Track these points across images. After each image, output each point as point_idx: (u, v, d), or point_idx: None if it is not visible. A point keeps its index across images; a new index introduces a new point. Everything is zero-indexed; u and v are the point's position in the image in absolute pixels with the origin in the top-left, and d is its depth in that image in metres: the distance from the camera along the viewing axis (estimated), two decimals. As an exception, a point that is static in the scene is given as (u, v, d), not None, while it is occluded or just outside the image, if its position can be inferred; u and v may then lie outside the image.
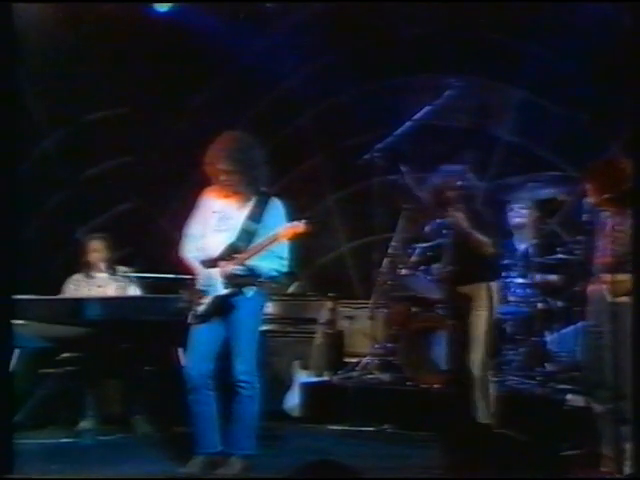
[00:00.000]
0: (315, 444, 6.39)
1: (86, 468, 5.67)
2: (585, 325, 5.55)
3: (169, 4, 8.22)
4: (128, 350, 6.53)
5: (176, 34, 8.22)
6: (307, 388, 7.16)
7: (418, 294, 7.18)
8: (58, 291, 7.01)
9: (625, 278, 5.03)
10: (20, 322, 6.08)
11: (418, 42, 7.99)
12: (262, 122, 8.03)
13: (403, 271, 7.21)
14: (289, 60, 8.33)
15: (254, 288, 5.46)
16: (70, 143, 8.40)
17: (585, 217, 5.49)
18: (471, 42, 7.89)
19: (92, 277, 7.08)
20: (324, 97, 8.53)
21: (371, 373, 7.26)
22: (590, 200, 5.34)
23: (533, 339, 6.81)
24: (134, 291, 7.08)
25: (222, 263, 5.43)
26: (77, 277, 7.11)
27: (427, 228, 6.90)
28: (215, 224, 5.51)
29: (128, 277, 7.07)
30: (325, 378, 7.34)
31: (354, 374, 7.33)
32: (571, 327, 6.72)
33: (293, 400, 7.15)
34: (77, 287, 7.05)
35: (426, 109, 7.38)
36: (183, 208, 5.84)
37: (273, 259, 5.45)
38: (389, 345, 7.27)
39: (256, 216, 5.47)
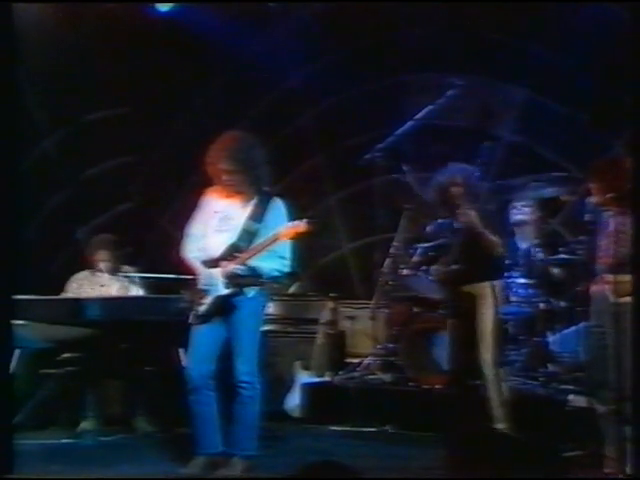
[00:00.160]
0: (316, 445, 6.39)
1: (87, 469, 5.66)
2: (588, 325, 5.55)
3: (169, 4, 8.21)
4: (129, 350, 6.52)
5: (176, 34, 8.22)
6: (308, 388, 7.15)
7: (420, 294, 7.18)
8: (59, 291, 7.00)
9: (628, 278, 5.02)
10: (20, 322, 6.07)
11: (420, 41, 7.98)
12: (263, 122, 8.04)
13: (405, 271, 7.19)
14: (290, 59, 8.32)
15: (255, 288, 5.44)
16: (71, 143, 8.39)
17: (588, 217, 5.48)
18: (473, 41, 7.88)
19: (96, 276, 7.07)
20: (325, 96, 8.52)
21: (373, 373, 7.25)
22: (593, 199, 5.33)
23: (535, 339, 6.79)
24: (136, 291, 7.07)
25: (223, 263, 5.41)
26: (81, 275, 7.11)
27: (429, 228, 6.89)
28: (216, 224, 5.50)
29: (131, 277, 7.06)
30: (326, 378, 7.33)
31: (356, 374, 7.32)
32: (573, 327, 6.70)
33: (294, 401, 7.14)
34: (80, 286, 7.05)
35: (428, 109, 7.37)
36: (184, 208, 5.84)
37: (274, 259, 5.43)
38: (391, 345, 7.26)
39: (257, 216, 5.45)
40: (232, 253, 5.41)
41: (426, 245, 6.98)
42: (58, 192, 8.43)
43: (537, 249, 6.93)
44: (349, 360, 7.64)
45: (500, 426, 5.82)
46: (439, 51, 7.92)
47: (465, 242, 5.96)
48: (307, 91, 8.47)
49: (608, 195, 5.22)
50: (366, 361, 7.37)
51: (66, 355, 6.55)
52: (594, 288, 5.36)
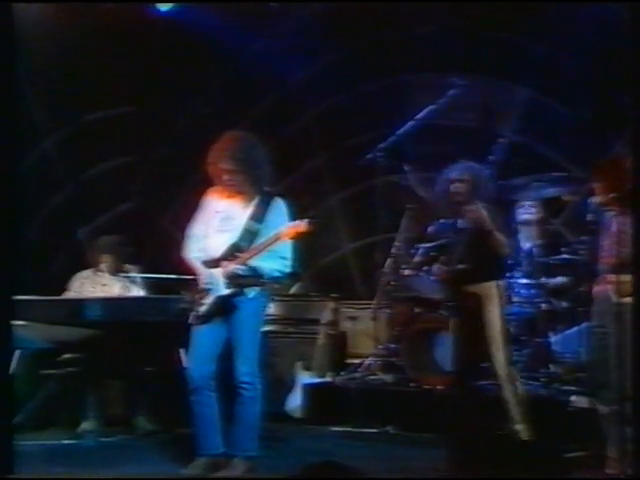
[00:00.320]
0: (317, 445, 6.37)
1: (87, 469, 5.65)
2: (590, 326, 5.53)
3: (169, 4, 8.20)
4: (129, 351, 6.50)
5: (176, 34, 8.21)
6: (309, 389, 7.14)
7: (421, 294, 7.16)
8: (59, 291, 6.99)
9: (630, 278, 5.00)
10: (21, 323, 6.05)
11: (421, 41, 7.96)
12: (264, 121, 8.02)
13: (406, 271, 7.18)
14: (292, 59, 8.31)
15: (256, 288, 5.43)
16: (71, 143, 8.38)
17: (590, 217, 5.47)
18: (474, 41, 7.86)
19: (98, 275, 7.06)
20: (327, 96, 8.51)
21: (374, 374, 7.23)
22: (596, 199, 5.31)
23: (537, 340, 6.77)
24: (138, 291, 7.06)
25: (224, 263, 5.40)
26: (84, 274, 7.11)
27: (430, 228, 6.88)
28: (218, 224, 5.49)
29: (132, 277, 7.04)
30: (328, 379, 7.32)
31: (357, 375, 7.30)
32: (575, 328, 6.68)
33: (295, 401, 7.12)
34: (82, 284, 7.04)
35: (429, 108, 7.36)
36: (185, 208, 5.82)
37: (276, 259, 5.42)
38: (392, 346, 7.24)
39: (259, 216, 5.45)
40: (233, 253, 5.40)
41: (428, 245, 6.97)
42: (58, 192, 8.42)
43: (539, 249, 6.90)
44: (350, 361, 7.62)
45: (517, 427, 5.77)
46: (440, 51, 7.91)
47: (472, 241, 5.91)
48: (308, 91, 8.46)
49: (610, 195, 5.21)
50: (367, 362, 7.36)
51: (66, 356, 6.52)
52: (596, 288, 5.35)
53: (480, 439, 5.55)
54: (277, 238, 5.34)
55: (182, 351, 6.13)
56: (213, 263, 5.44)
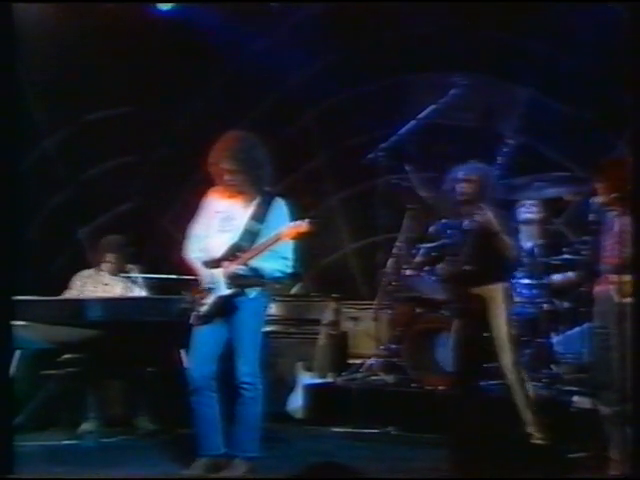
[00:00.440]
0: (319, 446, 6.36)
1: (88, 470, 5.64)
2: (592, 326, 5.51)
3: (170, 4, 8.20)
4: (130, 351, 6.49)
5: (177, 33, 8.20)
6: (311, 390, 7.13)
7: (423, 295, 7.15)
8: (60, 292, 6.98)
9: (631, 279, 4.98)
10: (21, 323, 6.05)
11: (422, 40, 7.95)
12: (266, 121, 8.00)
13: (408, 272, 7.16)
14: (293, 59, 8.29)
15: (257, 289, 5.42)
16: (71, 143, 8.37)
17: (592, 217, 5.45)
18: (476, 40, 7.85)
19: (100, 275, 7.05)
20: (328, 96, 8.49)
21: (375, 374, 7.22)
22: (598, 199, 5.30)
23: (539, 340, 6.75)
24: (139, 292, 7.04)
25: (225, 263, 5.39)
26: (86, 274, 7.10)
27: (432, 228, 6.86)
28: (219, 224, 5.48)
29: (134, 277, 7.03)
30: (329, 380, 7.30)
31: (358, 375, 7.29)
32: (577, 328, 6.66)
33: (297, 402, 7.11)
34: (84, 284, 7.03)
35: (431, 108, 7.35)
36: (186, 208, 5.81)
37: (277, 259, 5.41)
38: (393, 346, 7.23)
39: (260, 216, 5.44)
40: (234, 253, 5.39)
41: (429, 245, 6.96)
42: (59, 192, 8.41)
43: (541, 249, 6.88)
44: (351, 361, 7.61)
45: (529, 430, 5.74)
46: (442, 50, 7.89)
47: (478, 243, 5.87)
48: (309, 90, 8.44)
49: (612, 195, 5.20)
50: (369, 362, 7.35)
51: (67, 356, 6.53)
52: (598, 288, 5.33)
53: (481, 440, 5.53)
54: (278, 238, 5.33)
55: (183, 351, 6.12)
56: (214, 263, 5.43)
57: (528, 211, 6.95)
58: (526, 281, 6.85)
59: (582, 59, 7.49)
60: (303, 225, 5.32)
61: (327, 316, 7.59)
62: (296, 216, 5.44)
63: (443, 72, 7.73)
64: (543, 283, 6.80)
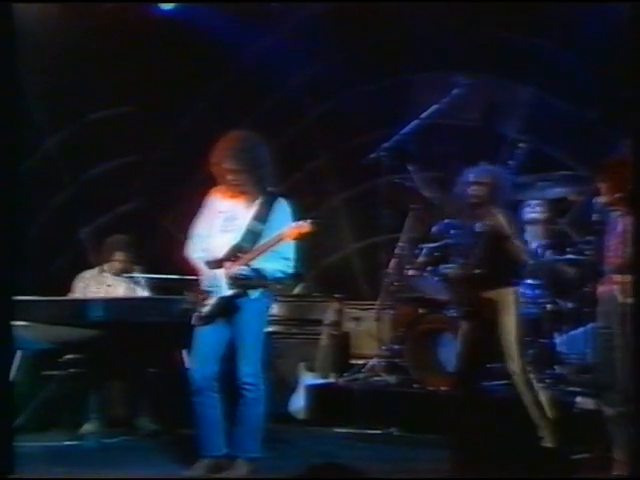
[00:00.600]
0: (321, 447, 6.35)
1: (90, 471, 5.62)
2: (595, 326, 5.48)
3: (171, 4, 8.19)
4: (132, 352, 6.48)
5: (179, 33, 8.19)
6: (313, 390, 7.11)
7: (425, 295, 7.13)
8: (61, 292, 6.96)
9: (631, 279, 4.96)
10: (22, 323, 6.04)
11: (425, 40, 7.93)
12: (268, 121, 7.98)
13: (410, 272, 7.15)
14: (295, 58, 8.28)
15: (259, 289, 5.40)
16: (73, 143, 8.36)
17: (596, 217, 5.43)
18: (479, 40, 7.83)
19: (103, 276, 7.04)
20: (330, 96, 8.48)
21: (378, 375, 7.21)
22: (602, 199, 5.28)
23: (542, 341, 6.73)
24: (142, 292, 7.03)
25: (227, 264, 5.37)
26: (88, 274, 7.08)
27: (435, 228, 6.84)
28: (221, 224, 5.47)
29: (136, 278, 7.02)
30: (331, 380, 7.29)
31: (360, 376, 7.28)
32: (581, 329, 6.64)
33: (299, 402, 7.10)
34: (87, 285, 7.02)
35: (433, 108, 7.34)
36: (188, 208, 5.80)
37: (278, 260, 5.40)
38: (396, 347, 7.22)
39: (262, 216, 5.42)
40: (236, 254, 5.38)
41: (432, 245, 6.95)
42: (60, 192, 8.40)
43: (545, 249, 6.86)
44: (354, 362, 7.60)
45: (540, 434, 5.71)
46: (445, 50, 7.88)
47: (489, 246, 5.80)
48: (312, 90, 8.44)
49: (616, 195, 5.18)
50: (371, 362, 7.33)
51: (68, 356, 6.52)
52: (602, 289, 5.32)
53: (484, 440, 5.51)
54: (280, 239, 5.32)
55: (185, 352, 6.11)
56: (216, 264, 5.42)
57: (532, 211, 6.92)
58: (529, 281, 6.82)
59: (586, 58, 7.48)
60: (305, 225, 5.31)
61: (329, 316, 7.58)
62: (298, 216, 5.42)
63: (446, 72, 7.71)
64: (547, 283, 6.77)
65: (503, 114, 7.99)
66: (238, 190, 5.44)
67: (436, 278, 6.87)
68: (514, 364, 5.75)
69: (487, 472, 5.17)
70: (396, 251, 7.44)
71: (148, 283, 7.10)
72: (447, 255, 6.81)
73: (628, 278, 5.06)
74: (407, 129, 7.35)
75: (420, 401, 6.74)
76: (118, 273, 7.02)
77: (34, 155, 8.09)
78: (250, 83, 8.41)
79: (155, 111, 8.43)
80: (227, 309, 5.38)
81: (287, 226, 5.34)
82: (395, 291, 7.40)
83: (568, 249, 6.84)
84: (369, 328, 7.72)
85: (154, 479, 5.47)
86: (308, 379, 7.21)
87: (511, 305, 5.80)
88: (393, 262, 7.43)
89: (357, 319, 7.92)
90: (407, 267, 7.23)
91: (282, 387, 7.00)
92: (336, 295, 7.77)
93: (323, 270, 8.78)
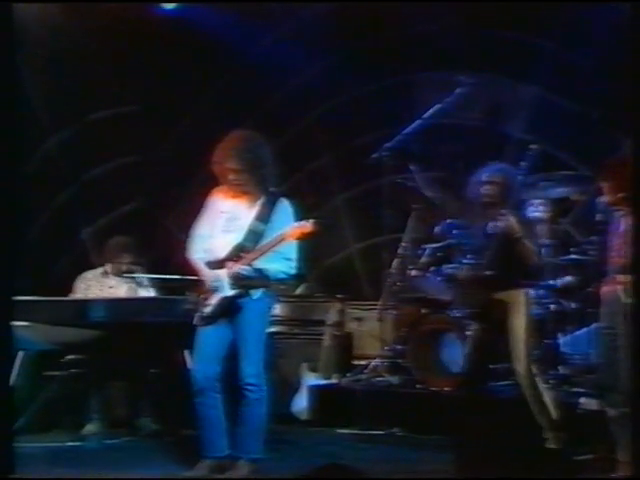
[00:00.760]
0: (323, 448, 6.34)
1: (91, 471, 5.61)
2: (599, 327, 5.46)
3: (173, 3, 8.18)
4: (134, 352, 6.47)
5: (180, 33, 8.18)
6: (315, 391, 7.10)
7: (428, 295, 7.12)
8: (63, 292, 6.95)
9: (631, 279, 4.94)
10: (24, 324, 6.03)
11: (428, 39, 7.92)
12: (270, 121, 7.97)
13: (413, 272, 7.13)
14: (298, 58, 8.27)
15: (261, 289, 5.39)
16: (75, 143, 8.35)
17: (599, 217, 5.40)
18: (482, 39, 7.82)
19: (105, 277, 7.03)
20: (333, 95, 8.47)
21: (380, 376, 7.19)
22: (605, 199, 5.26)
23: (546, 341, 6.70)
24: (144, 292, 7.02)
25: (229, 264, 5.36)
26: (89, 275, 7.07)
27: (437, 228, 6.82)
28: (223, 225, 5.46)
29: (138, 278, 7.01)
30: (334, 381, 7.28)
31: (363, 377, 7.26)
32: (585, 329, 6.62)
33: (301, 403, 7.09)
34: (88, 286, 7.01)
35: (436, 107, 7.32)
36: (189, 208, 5.79)
37: (281, 261, 5.38)
38: (399, 347, 7.19)
39: (264, 216, 5.41)
40: (238, 254, 5.36)
41: (435, 245, 6.93)
42: (62, 192, 8.39)
43: (548, 249, 6.84)
44: (356, 362, 7.59)
45: (544, 435, 5.68)
46: (447, 49, 7.86)
47: (500, 247, 5.75)
48: (314, 90, 8.42)
49: (620, 194, 5.16)
50: (373, 363, 7.31)
51: (70, 357, 6.53)
52: (606, 289, 5.30)
53: (488, 441, 5.49)
54: (282, 239, 5.30)
55: (187, 352, 6.10)
56: (218, 264, 5.40)
57: (535, 210, 6.89)
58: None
59: (589, 58, 7.46)
60: (307, 225, 5.29)
61: (332, 317, 7.56)
62: (300, 216, 5.41)
63: (449, 71, 7.70)
64: (550, 283, 6.75)
65: (506, 114, 7.97)
66: (240, 190, 5.43)
67: (439, 278, 6.85)
68: (520, 365, 5.72)
69: (490, 473, 5.15)
70: (399, 251, 7.43)
71: (150, 283, 7.09)
72: (450, 255, 6.79)
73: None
74: (409, 129, 7.34)
75: (423, 402, 6.73)
76: (120, 274, 7.01)
77: (35, 155, 8.09)
78: (252, 83, 8.40)
79: (157, 111, 8.42)
80: (229, 309, 5.37)
81: (289, 226, 5.33)
82: (398, 291, 7.39)
83: (571, 249, 6.81)
84: (372, 328, 7.70)
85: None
86: (311, 380, 7.20)
87: (521, 306, 5.75)
88: (396, 262, 7.42)
89: (359, 319, 7.91)
90: (410, 267, 7.21)
91: (284, 388, 6.98)
92: (338, 295, 7.74)
93: (325, 270, 8.77)
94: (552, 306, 6.74)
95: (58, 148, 8.32)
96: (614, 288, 5.19)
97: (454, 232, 6.72)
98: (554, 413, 5.68)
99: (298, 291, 8.29)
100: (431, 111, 7.33)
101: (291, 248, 5.38)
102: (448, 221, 6.67)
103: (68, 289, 7.01)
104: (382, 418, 6.74)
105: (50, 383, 6.55)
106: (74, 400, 6.59)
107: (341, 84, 8.37)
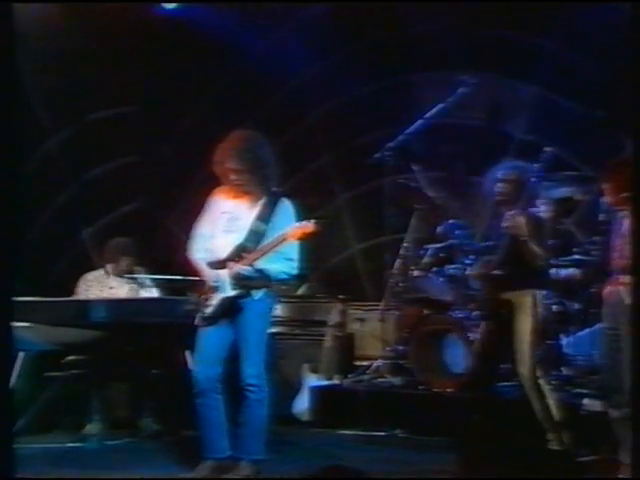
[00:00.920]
0: (325, 449, 6.33)
1: (92, 472, 5.60)
2: (602, 327, 5.45)
3: (173, 3, 8.18)
4: (135, 353, 6.46)
5: (180, 32, 8.18)
6: (317, 392, 7.09)
7: (430, 296, 7.10)
8: (64, 293, 6.94)
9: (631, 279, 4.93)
10: (24, 325, 6.02)
11: (430, 39, 7.92)
12: (272, 120, 7.96)
13: (415, 272, 7.12)
14: (299, 57, 8.27)
15: (262, 290, 5.37)
16: (75, 143, 8.35)
17: (602, 217, 5.38)
18: (484, 39, 7.81)
19: (106, 278, 7.02)
20: (334, 95, 8.46)
21: (382, 376, 7.19)
22: (607, 199, 5.24)
23: (548, 342, 6.69)
24: (146, 293, 7.01)
25: (230, 264, 5.34)
26: (90, 277, 7.07)
27: (439, 228, 6.81)
28: (224, 225, 5.44)
29: (139, 279, 7.00)
30: (335, 382, 7.27)
31: (365, 377, 7.26)
32: (588, 330, 6.61)
33: (303, 404, 7.08)
34: (89, 287, 7.01)
35: (438, 107, 7.31)
36: (190, 208, 5.78)
37: (282, 261, 5.37)
38: (400, 348, 7.19)
39: (265, 216, 5.39)
40: (239, 254, 5.35)
41: (437, 246, 6.92)
42: (62, 192, 8.39)
43: (550, 249, 6.82)
44: (358, 363, 7.58)
45: (548, 436, 5.66)
46: (450, 49, 7.85)
47: (509, 247, 5.70)
48: (316, 89, 8.42)
49: (622, 195, 5.14)
50: (375, 364, 7.31)
51: (71, 357, 6.53)
52: (608, 289, 5.28)
53: (491, 442, 5.48)
54: (284, 239, 5.28)
55: (188, 353, 6.08)
56: (219, 264, 5.39)
57: (537, 210, 6.87)
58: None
59: (591, 58, 7.45)
60: (309, 225, 5.27)
61: (333, 317, 7.54)
62: (302, 216, 5.39)
63: (451, 71, 7.69)
64: (553, 278, 6.72)
65: (508, 113, 7.96)
66: (241, 190, 5.41)
67: (441, 279, 6.84)
68: (524, 366, 5.70)
69: (493, 474, 5.14)
70: (401, 252, 7.42)
71: (151, 284, 7.08)
72: (452, 256, 6.78)
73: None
74: (412, 129, 7.34)
75: (425, 403, 6.72)
76: (121, 275, 7.00)
77: (35, 155, 8.08)
78: (253, 82, 8.40)
79: (157, 111, 8.42)
80: (230, 310, 5.35)
81: (291, 226, 5.31)
82: (400, 292, 7.38)
83: (574, 249, 6.80)
84: (373, 329, 7.70)
85: (157, 480, 5.47)
86: (312, 380, 7.19)
87: (528, 308, 5.72)
88: (398, 263, 7.41)
89: (361, 320, 7.90)
90: (412, 268, 7.21)
91: (286, 388, 6.97)
92: (340, 296, 7.73)
93: (327, 271, 8.76)
94: (555, 307, 6.73)
95: (58, 148, 8.31)
96: (617, 289, 5.18)
97: (456, 232, 6.72)
98: (557, 414, 5.66)
99: (299, 291, 8.29)
100: (433, 111, 7.33)
101: (292, 248, 5.36)
102: (450, 221, 6.66)
103: (68, 289, 7.01)
104: (384, 419, 6.73)
105: (51, 384, 6.54)
106: (75, 401, 6.58)
107: (341, 84, 8.36)
